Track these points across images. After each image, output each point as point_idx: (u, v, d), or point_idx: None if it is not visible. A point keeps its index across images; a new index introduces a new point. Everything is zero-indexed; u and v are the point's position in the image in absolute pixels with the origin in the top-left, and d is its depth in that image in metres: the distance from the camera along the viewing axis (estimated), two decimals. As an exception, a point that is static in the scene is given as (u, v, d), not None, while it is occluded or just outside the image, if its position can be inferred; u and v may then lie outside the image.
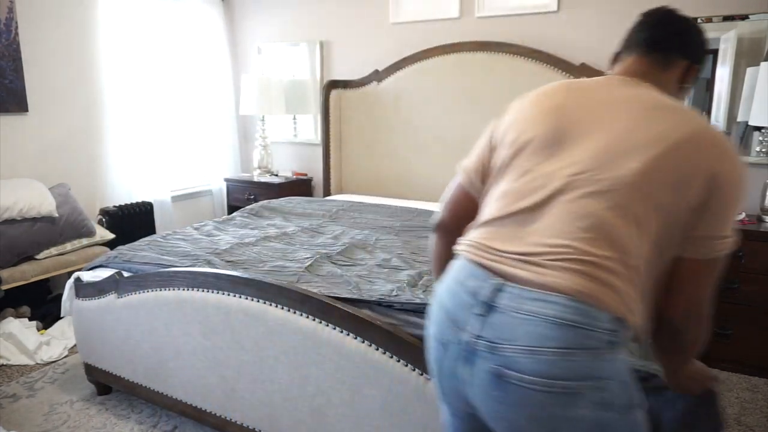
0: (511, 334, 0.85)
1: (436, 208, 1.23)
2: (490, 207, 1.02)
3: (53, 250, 2.81)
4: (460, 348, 0.92)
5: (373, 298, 1.66)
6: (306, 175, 4.13)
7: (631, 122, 0.93)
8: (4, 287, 2.55)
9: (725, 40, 2.68)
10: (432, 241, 1.24)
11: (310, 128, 4.13)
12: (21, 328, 2.60)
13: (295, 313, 1.61)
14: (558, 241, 0.89)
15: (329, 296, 1.65)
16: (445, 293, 1.00)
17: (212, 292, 1.76)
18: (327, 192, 3.83)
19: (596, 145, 0.92)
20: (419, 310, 1.56)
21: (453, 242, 1.10)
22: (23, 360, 2.50)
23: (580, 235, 0.88)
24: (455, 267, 1.02)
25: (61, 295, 2.32)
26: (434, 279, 1.28)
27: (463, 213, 1.14)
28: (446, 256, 1.12)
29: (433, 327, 1.01)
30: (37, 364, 2.50)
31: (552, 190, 0.93)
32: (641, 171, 0.88)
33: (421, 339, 1.50)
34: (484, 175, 1.11)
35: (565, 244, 0.88)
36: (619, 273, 0.86)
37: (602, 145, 0.92)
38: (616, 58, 1.11)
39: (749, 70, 2.61)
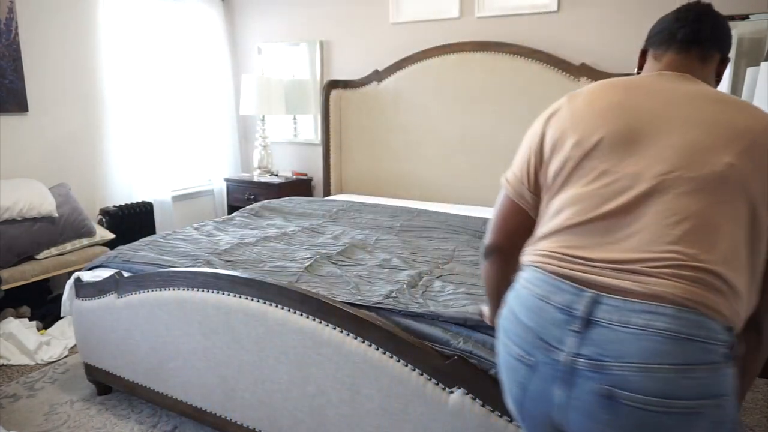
0: (619, 351, 0.79)
1: (435, 208, 1.19)
2: (563, 214, 0.95)
3: (53, 250, 2.81)
4: (554, 369, 0.86)
5: (371, 303, 1.63)
6: (306, 175, 4.13)
7: (707, 117, 0.90)
8: (4, 287, 2.55)
9: (725, 40, 2.68)
10: (485, 268, 1.15)
11: (310, 128, 4.13)
12: (21, 328, 2.60)
13: (295, 313, 1.61)
14: (660, 247, 0.83)
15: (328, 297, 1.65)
16: (522, 310, 0.93)
17: (212, 292, 1.76)
18: (327, 192, 3.83)
19: (678, 141, 0.89)
20: (419, 315, 1.56)
21: (512, 265, 1.03)
22: (23, 360, 2.50)
23: (683, 237, 0.83)
24: (528, 280, 0.95)
25: (61, 295, 2.32)
26: (490, 309, 1.23)
27: (517, 230, 1.07)
28: (506, 282, 1.04)
29: (513, 347, 0.94)
30: (38, 364, 2.50)
31: (642, 190, 0.87)
32: (734, 165, 0.85)
33: (419, 339, 1.50)
34: (535, 184, 1.04)
35: (669, 249, 0.83)
36: (726, 277, 0.81)
37: (685, 141, 0.88)
38: (646, 53, 1.10)
39: (749, 70, 2.61)
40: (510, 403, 0.99)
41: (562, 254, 0.91)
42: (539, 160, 1.03)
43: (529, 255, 0.99)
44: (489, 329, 1.47)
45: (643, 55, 1.11)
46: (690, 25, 1.04)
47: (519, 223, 1.07)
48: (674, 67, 1.03)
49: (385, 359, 1.48)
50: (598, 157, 0.93)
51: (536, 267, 0.95)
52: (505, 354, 0.96)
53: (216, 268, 1.96)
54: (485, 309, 1.34)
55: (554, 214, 0.97)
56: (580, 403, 0.83)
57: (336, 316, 1.55)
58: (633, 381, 0.78)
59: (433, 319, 1.54)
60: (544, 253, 0.94)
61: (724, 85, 2.70)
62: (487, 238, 1.12)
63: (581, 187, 0.94)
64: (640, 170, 0.89)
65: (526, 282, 0.96)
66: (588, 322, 0.83)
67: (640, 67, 1.12)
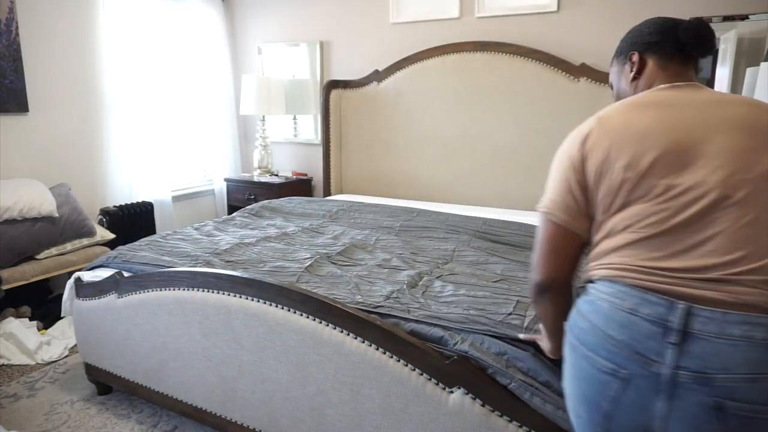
0: (723, 362, 0.81)
1: (435, 208, 1.18)
2: (630, 229, 0.96)
3: (53, 250, 2.81)
4: (654, 381, 0.86)
5: (371, 308, 1.62)
6: (306, 175, 4.13)
7: (739, 119, 0.94)
8: (5, 287, 2.56)
9: (725, 40, 2.68)
10: (542, 307, 1.13)
11: (310, 128, 4.14)
12: (21, 328, 2.60)
13: (295, 313, 1.61)
14: (741, 252, 0.86)
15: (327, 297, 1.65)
16: (608, 324, 0.93)
17: (212, 292, 1.76)
18: (327, 192, 3.83)
19: (725, 146, 0.92)
20: (419, 320, 1.56)
21: (568, 295, 1.04)
22: (24, 360, 2.50)
23: (757, 238, 0.86)
24: (609, 293, 0.95)
25: (61, 295, 2.32)
26: (553, 342, 1.23)
27: (570, 257, 1.06)
28: (566, 312, 1.05)
29: (600, 362, 0.93)
30: (38, 364, 2.50)
31: (711, 199, 0.90)
32: None
33: (419, 339, 1.50)
34: (584, 204, 1.04)
35: (745, 248, 0.86)
36: None
37: (731, 145, 0.91)
38: (643, 57, 1.11)
39: (749, 70, 2.60)
40: (592, 417, 0.97)
41: (641, 267, 0.92)
42: (582, 183, 1.03)
43: (599, 269, 0.98)
44: (489, 332, 1.47)
45: (641, 59, 1.12)
46: (704, 44, 1.08)
47: (571, 249, 1.06)
48: (680, 77, 1.07)
49: (385, 359, 1.48)
50: (655, 175, 0.95)
51: (613, 280, 0.94)
52: (590, 369, 0.95)
53: (216, 268, 1.96)
54: (544, 343, 1.31)
55: (619, 230, 0.98)
56: (685, 415, 0.84)
57: (336, 316, 1.55)
58: (741, 391, 0.80)
59: (434, 325, 1.54)
60: (620, 266, 0.95)
61: (724, 85, 2.70)
62: (537, 275, 1.09)
63: (645, 203, 0.95)
64: (703, 179, 0.91)
65: (605, 295, 0.95)
66: (685, 334, 0.84)
67: (638, 72, 1.12)
